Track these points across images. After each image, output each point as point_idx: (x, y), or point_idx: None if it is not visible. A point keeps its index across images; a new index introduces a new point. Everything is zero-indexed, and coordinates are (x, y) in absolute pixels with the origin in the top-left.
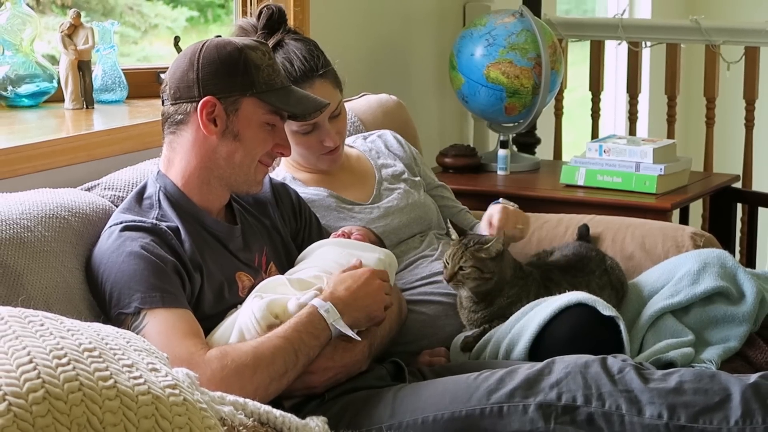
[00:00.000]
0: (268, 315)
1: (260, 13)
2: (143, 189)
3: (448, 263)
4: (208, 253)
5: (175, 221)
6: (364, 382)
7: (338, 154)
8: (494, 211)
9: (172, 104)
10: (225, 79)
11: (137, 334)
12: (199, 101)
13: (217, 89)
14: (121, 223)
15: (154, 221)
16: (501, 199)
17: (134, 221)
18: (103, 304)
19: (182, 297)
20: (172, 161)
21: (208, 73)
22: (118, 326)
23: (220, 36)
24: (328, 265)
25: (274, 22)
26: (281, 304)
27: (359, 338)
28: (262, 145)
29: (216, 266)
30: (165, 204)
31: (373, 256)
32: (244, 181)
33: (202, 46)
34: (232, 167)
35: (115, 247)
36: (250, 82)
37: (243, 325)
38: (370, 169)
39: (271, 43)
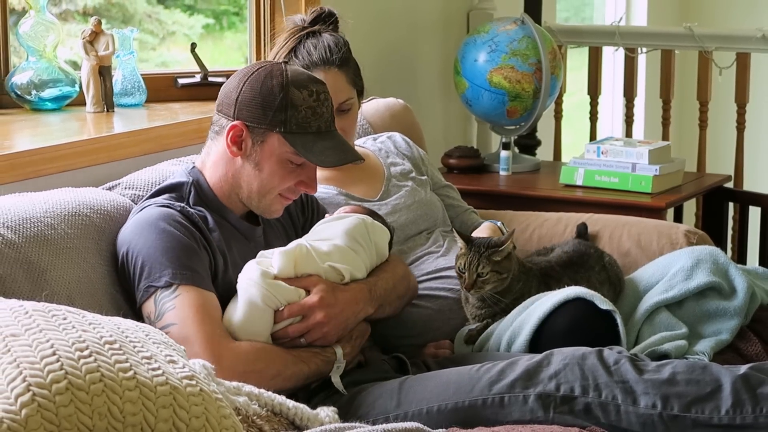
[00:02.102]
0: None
1: (314, 11)
2: (172, 181)
3: (463, 272)
4: (234, 244)
5: (203, 212)
6: (369, 376)
7: None
8: (482, 230)
9: (216, 113)
10: (259, 110)
11: (166, 302)
12: (231, 121)
13: (249, 117)
14: (153, 204)
15: (184, 205)
16: (499, 222)
17: (165, 203)
18: (129, 278)
19: (210, 281)
20: (206, 163)
21: (246, 99)
22: (146, 300)
23: (286, 62)
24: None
25: (321, 19)
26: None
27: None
28: (280, 180)
29: (240, 258)
30: (194, 197)
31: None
32: (257, 207)
33: (257, 69)
34: (250, 192)
35: (147, 223)
36: (282, 121)
37: (244, 287)
38: (380, 167)
39: (306, 32)
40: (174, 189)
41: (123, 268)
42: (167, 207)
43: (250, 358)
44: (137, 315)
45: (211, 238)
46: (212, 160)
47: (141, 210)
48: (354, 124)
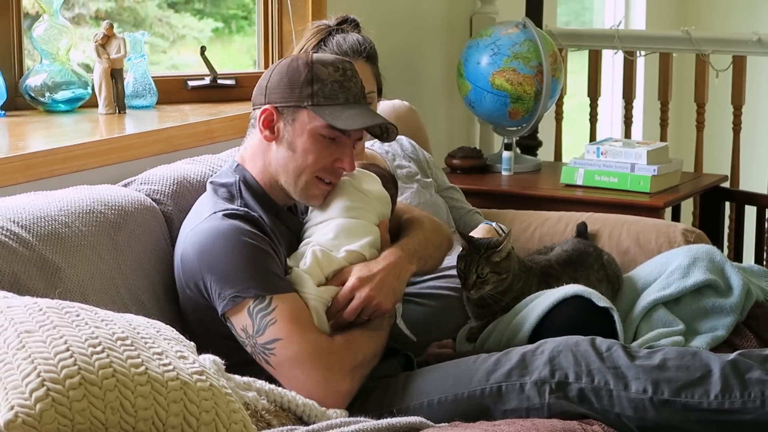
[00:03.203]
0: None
1: (338, 17)
2: (217, 180)
3: (463, 273)
4: (284, 241)
5: (257, 210)
6: (377, 372)
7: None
8: (477, 231)
9: (252, 109)
10: (287, 90)
11: (265, 316)
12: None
13: (278, 99)
14: (218, 211)
15: (245, 209)
16: (494, 223)
17: (229, 209)
18: (197, 287)
19: (288, 282)
20: (245, 158)
21: (274, 82)
22: (230, 307)
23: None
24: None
25: (346, 23)
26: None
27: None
28: (315, 158)
29: (285, 253)
30: (246, 194)
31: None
32: (296, 191)
33: (283, 59)
34: (287, 175)
35: (221, 233)
36: (309, 95)
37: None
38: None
39: (334, 29)
40: (220, 190)
41: (190, 276)
42: (236, 214)
43: (350, 352)
44: (161, 311)
45: (275, 240)
46: (250, 154)
47: (213, 215)
48: None
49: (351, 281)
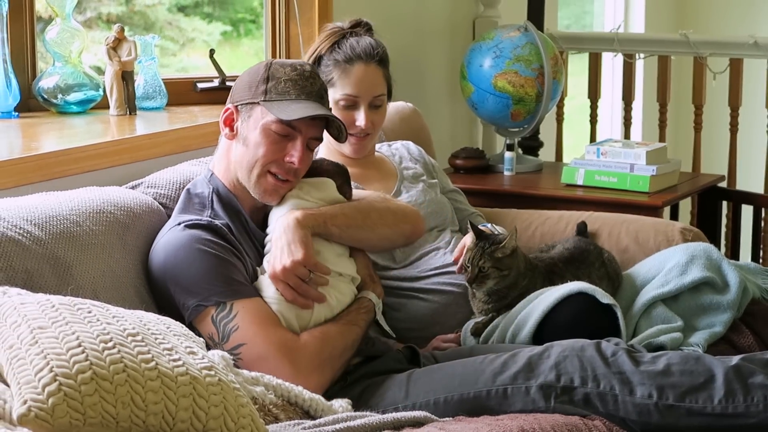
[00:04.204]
0: None
1: (352, 21)
2: (192, 190)
3: (468, 267)
4: (253, 249)
5: (225, 219)
6: (384, 366)
7: (365, 143)
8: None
9: None
10: (245, 89)
11: (228, 323)
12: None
13: (238, 98)
14: (181, 223)
15: (210, 219)
16: (490, 225)
17: (192, 220)
18: (168, 296)
19: (251, 287)
20: (215, 163)
21: (238, 84)
22: (195, 317)
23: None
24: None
25: (359, 25)
26: None
27: (393, 335)
28: (264, 150)
29: (252, 261)
30: (217, 205)
31: None
32: (250, 187)
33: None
34: (242, 171)
35: (181, 244)
36: (263, 91)
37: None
38: (393, 170)
39: (348, 31)
40: (193, 200)
41: (163, 284)
42: (197, 224)
43: (318, 347)
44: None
45: (241, 247)
46: (218, 157)
47: (175, 227)
48: (382, 120)
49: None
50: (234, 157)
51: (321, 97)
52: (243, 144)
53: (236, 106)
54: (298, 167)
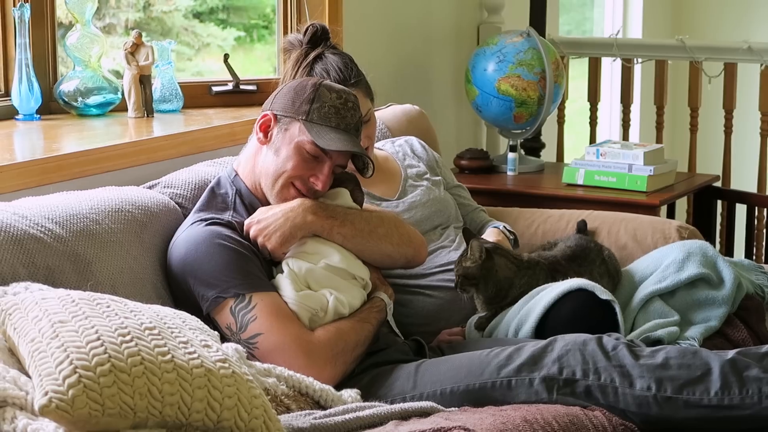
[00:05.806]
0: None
1: (306, 29)
2: (216, 189)
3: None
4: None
5: (246, 219)
6: (391, 357)
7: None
8: (488, 234)
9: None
10: (289, 102)
11: (246, 314)
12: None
13: (279, 108)
14: (202, 220)
15: (230, 219)
16: (502, 225)
17: (213, 218)
18: (186, 289)
19: (269, 282)
20: (241, 161)
21: (281, 93)
22: (213, 308)
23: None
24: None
25: (318, 38)
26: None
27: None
28: (293, 165)
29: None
30: (240, 206)
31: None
32: (271, 195)
33: (304, 78)
34: (267, 178)
35: (201, 239)
36: (306, 111)
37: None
38: (397, 168)
39: (312, 55)
40: (216, 199)
41: (179, 281)
42: (218, 222)
43: (332, 340)
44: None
45: (258, 250)
46: (245, 157)
47: (195, 223)
48: (375, 129)
49: (250, 218)
50: (261, 163)
51: (357, 130)
52: (274, 153)
53: (275, 115)
54: (320, 190)
